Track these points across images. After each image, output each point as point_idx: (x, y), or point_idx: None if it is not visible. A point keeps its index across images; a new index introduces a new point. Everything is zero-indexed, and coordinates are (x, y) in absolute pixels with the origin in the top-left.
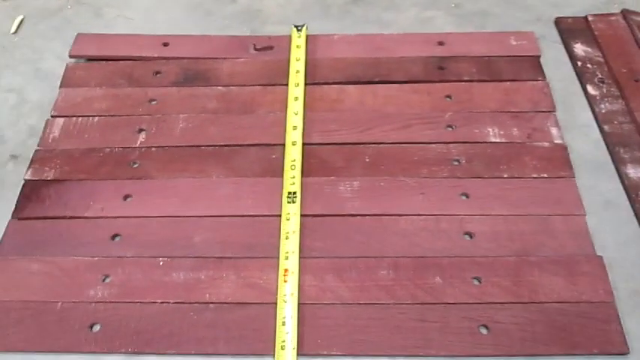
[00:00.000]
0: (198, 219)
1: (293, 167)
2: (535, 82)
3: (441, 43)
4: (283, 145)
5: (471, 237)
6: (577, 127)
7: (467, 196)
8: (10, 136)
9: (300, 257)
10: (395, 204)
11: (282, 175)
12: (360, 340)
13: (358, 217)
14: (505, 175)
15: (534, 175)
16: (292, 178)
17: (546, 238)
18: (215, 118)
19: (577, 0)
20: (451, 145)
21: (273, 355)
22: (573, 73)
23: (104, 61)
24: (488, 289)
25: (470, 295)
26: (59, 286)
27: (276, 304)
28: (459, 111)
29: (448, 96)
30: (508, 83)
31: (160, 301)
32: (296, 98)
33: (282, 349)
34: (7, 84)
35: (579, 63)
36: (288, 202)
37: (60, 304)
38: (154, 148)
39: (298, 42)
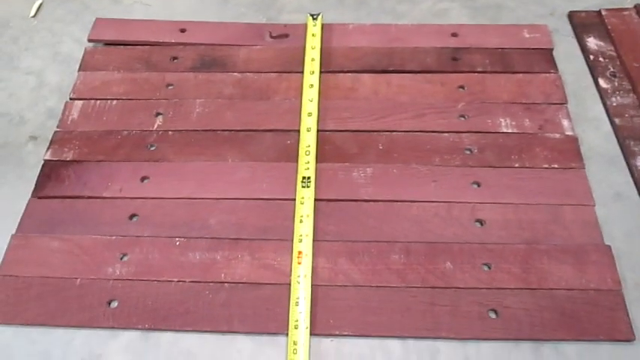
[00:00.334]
0: (214, 201)
1: (307, 153)
2: (547, 75)
3: (454, 35)
4: (298, 131)
5: (482, 224)
6: (588, 120)
7: (478, 185)
8: (30, 118)
9: (313, 240)
10: (407, 191)
11: (296, 161)
12: (371, 321)
13: (371, 202)
14: (516, 165)
15: (545, 166)
16: (307, 163)
17: (556, 227)
18: (231, 103)
19: None
20: (463, 134)
21: (287, 334)
22: (585, 67)
23: (122, 46)
24: (497, 275)
25: (480, 281)
26: (78, 263)
27: (289, 284)
28: (471, 101)
29: (461, 86)
30: (521, 75)
31: (176, 279)
32: (311, 86)
33: (296, 328)
34: (27, 67)
35: (592, 57)
36: (303, 187)
37: (79, 280)
38: (170, 132)
39: (314, 30)
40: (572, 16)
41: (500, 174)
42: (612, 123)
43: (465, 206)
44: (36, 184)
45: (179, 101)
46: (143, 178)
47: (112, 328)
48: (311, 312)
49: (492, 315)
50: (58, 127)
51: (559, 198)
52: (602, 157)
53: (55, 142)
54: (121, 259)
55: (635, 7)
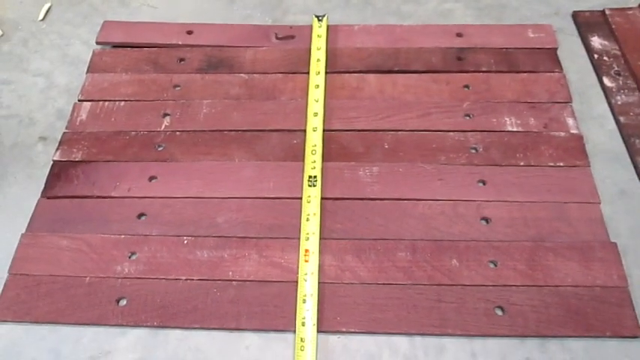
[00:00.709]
0: (221, 200)
1: (314, 152)
2: (552, 74)
3: (459, 35)
4: (304, 130)
5: (488, 222)
6: (593, 118)
7: (484, 183)
8: (39, 119)
9: (320, 238)
10: (413, 189)
11: (303, 160)
12: (377, 318)
13: (377, 200)
14: (522, 163)
15: (550, 164)
16: (313, 162)
17: (562, 224)
18: (238, 104)
19: None
20: (469, 133)
21: (294, 331)
22: (590, 66)
23: (130, 48)
24: (503, 272)
25: (486, 278)
26: (87, 261)
27: (297, 282)
28: (476, 100)
29: (466, 86)
30: (525, 74)
31: (184, 277)
32: (317, 86)
33: (303, 325)
34: (36, 69)
35: (596, 56)
36: (309, 186)
37: (88, 278)
38: (178, 132)
39: (319, 31)
40: (576, 15)
41: (505, 172)
42: (617, 121)
43: (471, 204)
44: (45, 184)
45: (186, 102)
46: (151, 178)
47: (121, 325)
48: (318, 309)
49: (499, 312)
50: (66, 128)
51: (564, 195)
52: (607, 154)
53: (64, 142)
54: (130, 257)
55: (639, 6)
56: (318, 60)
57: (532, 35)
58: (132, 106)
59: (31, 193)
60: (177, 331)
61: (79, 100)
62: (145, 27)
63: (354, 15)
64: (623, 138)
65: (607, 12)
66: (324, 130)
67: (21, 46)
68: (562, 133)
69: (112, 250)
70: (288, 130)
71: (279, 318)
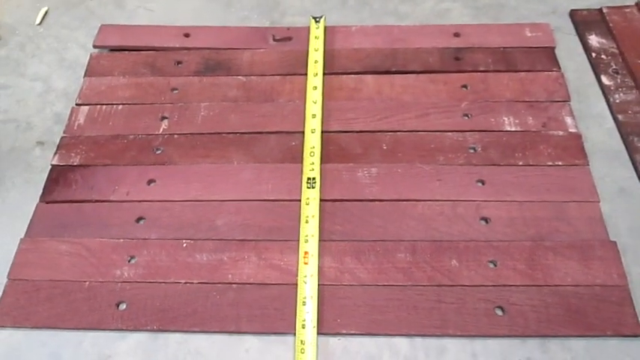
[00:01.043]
0: (220, 203)
1: (312, 154)
2: (550, 73)
3: (457, 35)
4: (302, 132)
5: (487, 222)
6: (591, 117)
7: (483, 183)
8: (37, 123)
9: (319, 240)
10: (412, 190)
11: (301, 162)
12: (378, 319)
13: (376, 202)
14: (520, 163)
15: (549, 163)
16: (311, 164)
17: (561, 223)
18: (236, 106)
19: None
20: (467, 133)
21: (294, 334)
22: (588, 64)
23: (127, 51)
24: (503, 272)
25: (486, 278)
26: (87, 266)
27: (296, 284)
28: (475, 100)
29: (464, 86)
30: (523, 74)
31: (183, 281)
32: (315, 87)
33: (303, 327)
34: (34, 73)
35: (594, 54)
36: (308, 188)
37: (87, 283)
38: (176, 135)
39: (317, 33)
40: (573, 14)
41: (504, 172)
42: (615, 119)
43: (470, 204)
44: (44, 189)
45: (184, 105)
46: (150, 181)
47: (121, 329)
48: (318, 311)
49: (499, 312)
50: (64, 132)
51: (563, 195)
52: (606, 153)
53: (62, 147)
54: (129, 261)
55: (637, 4)
56: (316, 61)
57: (530, 34)
58: (130, 109)
59: (29, 197)
60: (177, 335)
61: (76, 104)
62: (142, 30)
63: (352, 16)
64: (621, 136)
65: (604, 10)
66: (322, 132)
67: (18, 50)
68: (560, 132)
69: (112, 255)
70: (287, 132)
71: (279, 320)
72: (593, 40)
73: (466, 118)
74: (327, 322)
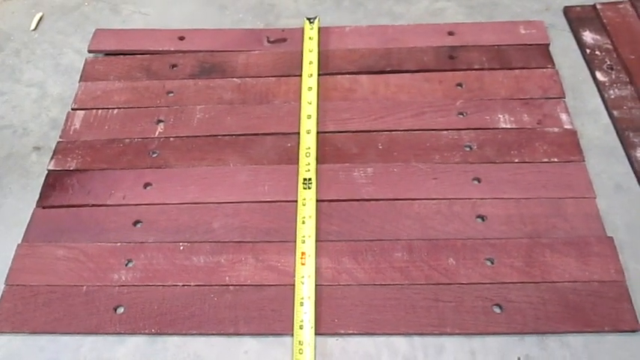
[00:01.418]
0: (216, 205)
1: (308, 155)
2: (545, 70)
3: (451, 33)
4: (298, 133)
5: (484, 220)
6: (586, 113)
7: (479, 181)
8: (33, 129)
9: (316, 241)
10: (408, 189)
11: (297, 163)
12: (376, 319)
13: (372, 201)
14: (516, 160)
15: (545, 160)
16: (307, 165)
17: (558, 220)
18: (231, 108)
19: None
20: (463, 131)
21: (292, 335)
22: (582, 61)
23: (122, 56)
24: (501, 269)
25: (483, 276)
26: (84, 270)
27: (294, 285)
28: (470, 99)
29: (459, 84)
30: (518, 71)
31: (181, 284)
32: (310, 88)
33: (301, 328)
34: (29, 79)
35: (588, 50)
36: (304, 188)
37: (85, 287)
38: (172, 138)
39: (311, 34)
40: (567, 10)
41: (500, 169)
42: (611, 115)
43: (466, 202)
44: (40, 194)
45: (180, 108)
46: (146, 185)
47: (119, 333)
48: (316, 312)
49: (497, 309)
50: (60, 137)
51: (560, 191)
52: (602, 149)
53: (59, 152)
54: (127, 265)
55: (630, 0)
56: (311, 62)
57: (524, 32)
58: (125, 113)
59: (26, 203)
60: (176, 338)
61: (72, 109)
62: (137, 34)
63: (346, 17)
64: (617, 132)
65: (598, 6)
66: (317, 133)
67: (13, 56)
68: (556, 129)
69: (109, 259)
70: (282, 134)
71: (277, 322)
72: (588, 36)
73: (461, 116)
74: (325, 323)
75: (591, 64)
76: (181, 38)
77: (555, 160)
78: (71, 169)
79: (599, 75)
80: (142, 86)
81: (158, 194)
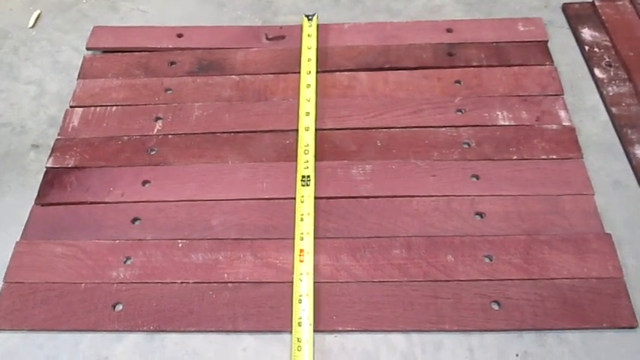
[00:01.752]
0: (215, 202)
1: (306, 152)
2: (543, 67)
3: (449, 30)
4: (297, 130)
5: (482, 217)
6: (585, 110)
7: (477, 178)
8: (31, 127)
9: (315, 238)
10: (407, 186)
11: (296, 160)
12: (374, 316)
13: (371, 198)
14: (514, 157)
15: (543, 157)
16: (306, 162)
17: (556, 217)
18: (230, 105)
19: None
20: (461, 128)
21: (291, 332)
22: (581, 58)
23: (120, 53)
24: (499, 266)
25: (481, 273)
26: (82, 267)
27: (292, 282)
28: (468, 95)
29: (458, 81)
30: (516, 68)
31: (179, 281)
32: (308, 85)
33: (299, 325)
34: (27, 76)
35: (587, 47)
36: (303, 186)
37: (83, 285)
38: (170, 136)
39: (309, 31)
40: (566, 7)
41: (498, 166)
42: (609, 112)
43: (465, 199)
44: (39, 192)
45: (178, 105)
46: (144, 182)
47: (118, 330)
48: (314, 309)
49: (495, 306)
50: (59, 134)
51: (558, 188)
52: (600, 146)
53: (57, 149)
54: (125, 262)
55: None
56: (309, 59)
57: (522, 29)
58: (124, 110)
59: (24, 200)
60: (174, 335)
61: (70, 107)
62: (135, 31)
63: (344, 13)
64: (615, 129)
65: (597, 3)
66: (316, 130)
67: (11, 54)
68: (554, 126)
69: (107, 256)
70: (281, 131)
71: (275, 319)
72: (586, 33)
73: (460, 113)
74: (324, 320)
75: (590, 61)
76: (179, 35)
77: (554, 156)
78: (69, 166)
79: (597, 72)
80: (140, 83)
81: (156, 192)
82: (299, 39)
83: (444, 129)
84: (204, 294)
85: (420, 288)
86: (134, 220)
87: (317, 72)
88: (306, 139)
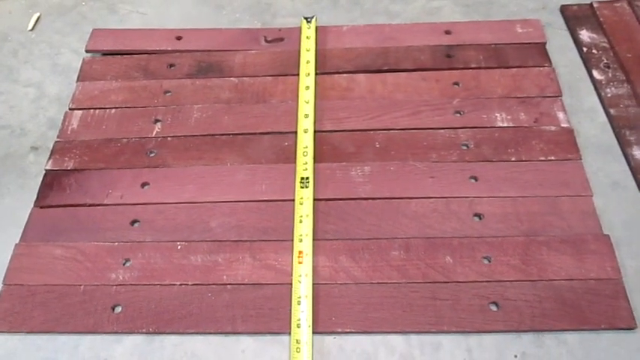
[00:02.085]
0: (214, 204)
1: (305, 154)
2: (541, 69)
3: (448, 32)
4: (295, 132)
5: (481, 218)
6: (583, 111)
7: (476, 179)
8: (31, 129)
9: (313, 239)
10: (405, 187)
11: (294, 162)
12: (373, 317)
13: (370, 200)
14: (513, 159)
15: (542, 158)
16: (305, 164)
17: (554, 218)
18: (228, 107)
19: None
20: (460, 130)
21: (290, 333)
22: (579, 59)
23: (119, 55)
24: (497, 267)
25: (480, 274)
26: (82, 270)
27: (291, 284)
28: (467, 97)
29: (456, 83)
30: (515, 70)
31: (178, 283)
32: (307, 87)
33: (298, 327)
34: (27, 79)
35: (585, 49)
36: (301, 187)
37: (82, 287)
38: (169, 138)
39: (308, 33)
40: (564, 9)
41: (497, 168)
42: (607, 113)
43: (463, 201)
44: (38, 194)
45: (177, 107)
46: (143, 184)
47: (117, 332)
48: (313, 310)
49: (493, 307)
50: (58, 137)
51: (556, 189)
52: (599, 147)
53: (56, 151)
54: (124, 264)
55: None
56: (308, 61)
57: (520, 30)
58: (123, 113)
59: (24, 203)
60: (173, 337)
61: (69, 109)
62: (134, 34)
63: (343, 15)
64: (613, 130)
65: (595, 5)
66: (315, 132)
67: (11, 56)
68: (553, 127)
69: (106, 258)
70: (280, 133)
71: (274, 320)
72: (584, 35)
73: (458, 115)
74: (323, 321)
75: (588, 62)
76: (179, 38)
77: (552, 158)
78: (69, 168)
79: (595, 73)
80: (140, 86)
81: (155, 194)
82: (298, 41)
83: (442, 130)
84: (203, 296)
85: (419, 289)
86: (133, 222)
87: (316, 74)
88: (305, 141)
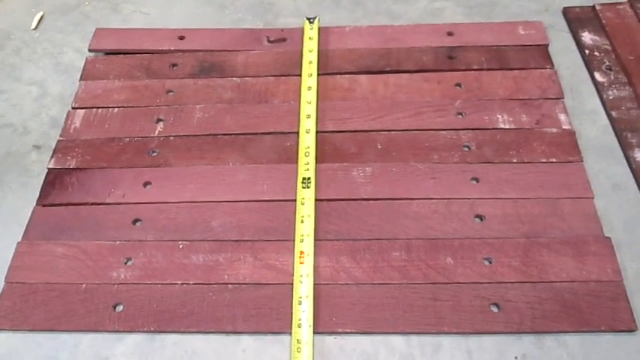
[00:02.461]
0: (215, 204)
1: (307, 154)
2: (543, 70)
3: (450, 34)
4: (297, 133)
5: (482, 219)
6: (585, 114)
7: (477, 181)
8: (33, 128)
9: (315, 240)
10: (407, 188)
11: (296, 162)
12: (373, 318)
13: (371, 201)
14: (514, 160)
15: (543, 160)
16: (306, 164)
17: (555, 220)
18: (231, 107)
19: None
20: (461, 131)
21: (291, 333)
22: (581, 61)
23: (122, 55)
24: (498, 269)
25: (481, 275)
26: (83, 268)
27: (292, 284)
28: (468, 99)
29: (458, 84)
30: (517, 71)
31: (180, 282)
32: (309, 88)
33: (299, 327)
34: (30, 78)
35: (587, 51)
36: (303, 188)
37: (84, 285)
38: (172, 137)
39: (310, 34)
40: (566, 11)
41: (498, 169)
42: (609, 116)
43: (465, 202)
44: (40, 192)
45: (179, 107)
46: (146, 184)
47: (118, 331)
48: (314, 310)
49: (494, 309)
50: (60, 135)
51: (558, 191)
52: (600, 149)
53: (59, 150)
54: (126, 263)
55: (629, 1)
56: (310, 62)
57: (523, 32)
58: (125, 112)
59: (26, 201)
60: (174, 336)
61: (72, 108)
62: (137, 33)
63: (345, 16)
64: (615, 132)
65: (597, 7)
66: (317, 132)
67: (14, 55)
68: (554, 129)
69: (108, 257)
70: (281, 133)
71: (275, 320)
72: (586, 37)
73: (460, 116)
74: (323, 321)
75: (590, 64)
76: (181, 38)
77: (553, 160)
78: (71, 167)
79: (597, 76)
80: (142, 85)
81: (157, 193)
82: (300, 41)
83: (444, 132)
84: (204, 295)
85: (420, 290)
86: (135, 221)
87: (318, 74)
88: (307, 142)
